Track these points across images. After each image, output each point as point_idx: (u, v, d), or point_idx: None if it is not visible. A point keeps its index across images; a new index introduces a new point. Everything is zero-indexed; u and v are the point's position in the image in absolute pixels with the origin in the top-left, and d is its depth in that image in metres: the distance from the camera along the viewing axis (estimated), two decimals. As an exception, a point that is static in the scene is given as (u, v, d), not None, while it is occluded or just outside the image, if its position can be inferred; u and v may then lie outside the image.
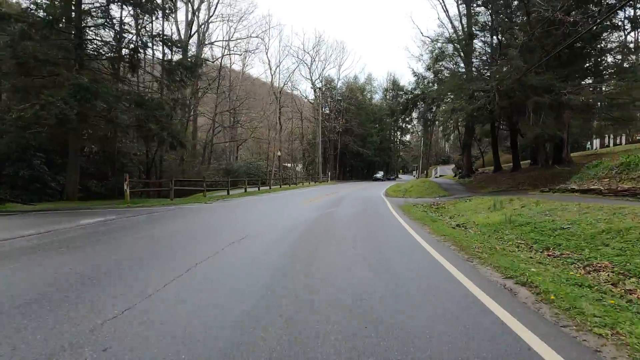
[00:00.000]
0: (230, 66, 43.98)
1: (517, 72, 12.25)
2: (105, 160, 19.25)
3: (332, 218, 9.08)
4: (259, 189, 23.49)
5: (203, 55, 34.18)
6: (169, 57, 16.29)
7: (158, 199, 14.96)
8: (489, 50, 16.74)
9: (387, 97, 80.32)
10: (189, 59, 16.29)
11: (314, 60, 52.72)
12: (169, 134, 14.66)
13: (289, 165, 61.52)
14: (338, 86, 59.57)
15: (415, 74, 20.56)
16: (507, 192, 13.80)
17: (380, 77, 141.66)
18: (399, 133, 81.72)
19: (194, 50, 33.14)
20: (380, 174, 57.24)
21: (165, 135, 14.30)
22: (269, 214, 9.99)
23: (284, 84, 50.05)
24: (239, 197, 16.87)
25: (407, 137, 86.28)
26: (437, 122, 22.63)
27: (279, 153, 44.23)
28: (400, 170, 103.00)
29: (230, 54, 35.78)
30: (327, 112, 58.10)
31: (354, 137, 55.60)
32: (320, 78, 54.75)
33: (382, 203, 14.40)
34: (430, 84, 19.38)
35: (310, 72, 52.53)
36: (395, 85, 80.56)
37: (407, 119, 23.20)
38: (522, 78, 12.17)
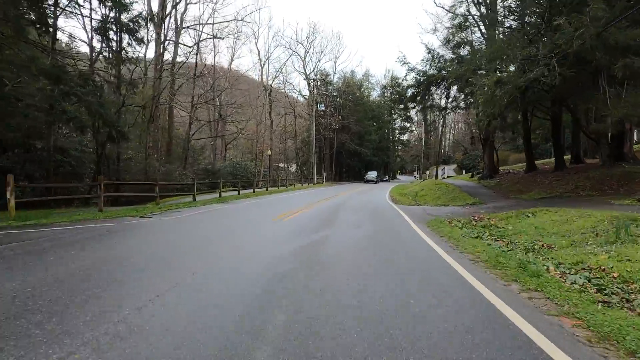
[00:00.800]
0: (215, 54, 39.95)
1: (593, 26, 8.32)
2: (36, 159, 15.02)
3: (322, 259, 5.08)
4: (238, 193, 19.42)
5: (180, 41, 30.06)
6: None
7: (84, 210, 10.84)
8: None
9: (386, 94, 76.73)
10: (130, 19, 12.14)
11: (308, 52, 48.75)
12: (100, 119, 10.54)
13: (282, 165, 57.47)
14: (334, 81, 55.70)
15: (429, 50, 16.60)
16: (569, 200, 9.91)
17: (379, 73, 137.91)
18: (397, 131, 78.05)
19: (171, 36, 29.04)
20: (372, 175, 45.44)
21: (92, 121, 10.17)
22: (204, 248, 5.92)
23: (275, 76, 46.04)
24: (202, 206, 12.80)
25: (405, 137, 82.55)
26: (461, 108, 18.43)
27: (269, 152, 40.17)
28: (398, 171, 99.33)
29: (213, 38, 31.58)
30: (323, 108, 54.18)
31: (351, 135, 51.67)
32: (315, 71, 50.81)
33: (397, 216, 10.45)
34: (448, 63, 15.49)
35: (304, 65, 48.55)
36: (394, 82, 77.11)
37: (418, 107, 19.08)
38: (603, 33, 8.28)
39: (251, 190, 22.92)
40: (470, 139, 57.12)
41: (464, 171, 50.38)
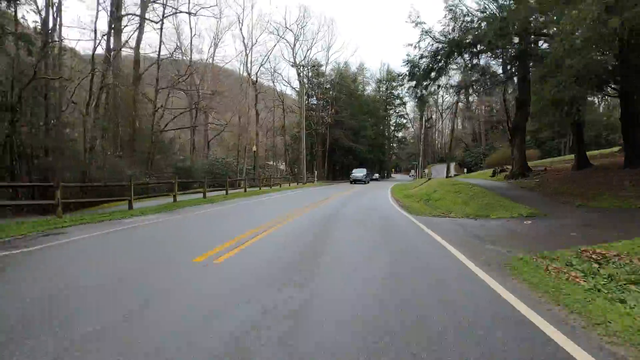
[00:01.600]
0: (192, 36, 35.62)
1: None
2: None
3: None
4: (204, 196, 15.36)
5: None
6: None
7: None
8: None
9: (381, 89, 73.00)
10: None
11: (298, 40, 44.61)
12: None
13: (272, 163, 53.29)
14: (327, 72, 51.69)
15: (449, 7, 12.56)
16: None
17: (373, 67, 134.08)
18: (392, 128, 74.32)
19: (135, 10, 24.69)
20: (360, 173, 35.97)
21: None
22: None
23: (262, 64, 41.89)
24: (123, 219, 8.72)
25: (400, 134, 78.85)
26: (499, 82, 14.23)
27: (254, 148, 36.02)
28: (393, 169, 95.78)
29: (180, 13, 27.29)
30: (314, 102, 50.14)
31: (345, 131, 47.74)
32: (306, 60, 46.66)
33: (427, 240, 6.60)
34: (476, 24, 11.58)
35: (293, 53, 44.34)
36: (389, 76, 73.39)
37: (431, 87, 15.09)
38: None
39: (224, 193, 18.83)
40: (472, 134, 53.71)
41: (465, 169, 46.87)
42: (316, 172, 41.67)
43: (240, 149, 32.53)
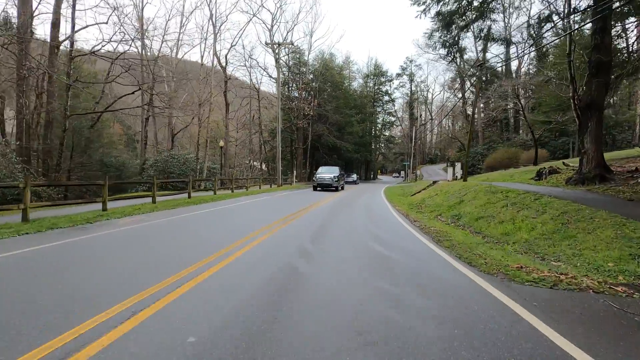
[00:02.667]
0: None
1: None
2: None
3: None
4: (103, 209, 9.49)
5: None
6: None
7: None
8: None
9: (369, 84, 68.22)
10: None
11: (277, 21, 39.00)
12: None
13: (252, 162, 47.25)
14: (309, 62, 46.16)
15: None
16: None
17: (360, 61, 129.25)
18: (380, 125, 69.49)
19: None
20: (328, 173, 23.79)
21: None
22: None
23: (232, 45, 35.96)
24: None
25: (387, 133, 74.12)
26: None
27: (221, 143, 30.08)
28: (379, 171, 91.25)
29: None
30: (296, 95, 44.49)
31: (329, 126, 42.34)
32: (285, 45, 40.84)
33: None
34: None
35: (270, 35, 38.51)
36: (377, 70, 68.68)
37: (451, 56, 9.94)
38: None
39: (185, 196, 12.98)
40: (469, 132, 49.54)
41: (450, 172, 42.43)
42: (295, 172, 35.89)
43: (197, 144, 26.47)
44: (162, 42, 30.13)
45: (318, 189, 21.92)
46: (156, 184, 12.44)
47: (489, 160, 38.53)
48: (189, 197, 14.38)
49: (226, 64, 34.06)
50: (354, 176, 41.71)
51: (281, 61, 41.34)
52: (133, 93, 21.72)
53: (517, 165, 33.46)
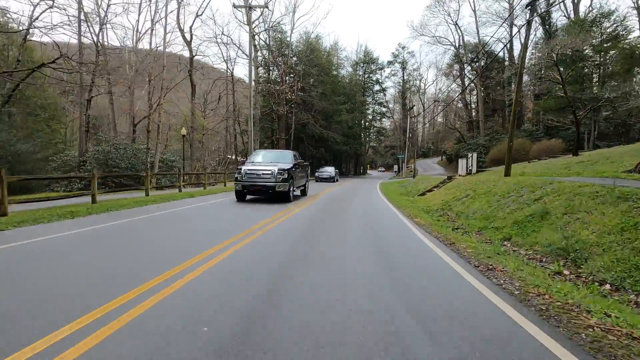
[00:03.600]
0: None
1: None
2: None
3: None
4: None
5: None
6: None
7: None
8: None
9: (358, 72, 63.28)
10: None
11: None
12: None
13: (234, 155, 41.83)
14: (293, 42, 40.86)
15: None
16: None
17: (349, 47, 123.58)
18: (370, 117, 64.75)
19: None
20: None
21: None
22: None
23: (198, 14, 30.61)
24: None
25: (377, 124, 69.35)
26: None
27: (183, 131, 24.80)
28: (368, 166, 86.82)
29: None
30: (278, 78, 39.19)
31: (315, 114, 37.33)
32: (263, 19, 35.49)
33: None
34: None
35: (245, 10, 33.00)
36: (368, 58, 63.78)
37: None
38: None
39: (137, 195, 7.97)
40: (468, 123, 45.28)
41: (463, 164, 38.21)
42: None
43: (152, 131, 21.17)
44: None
45: (243, 193, 10.74)
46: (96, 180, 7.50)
47: (494, 152, 34.19)
48: (147, 194, 9.48)
49: (191, 38, 28.63)
50: (330, 170, 28.12)
51: (260, 40, 36.02)
52: (54, 62, 16.28)
53: (528, 157, 29.27)
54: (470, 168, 18.65)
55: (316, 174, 28.03)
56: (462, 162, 20.28)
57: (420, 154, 74.08)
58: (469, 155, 19.70)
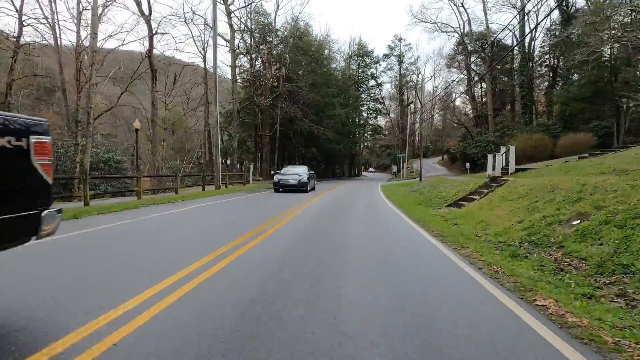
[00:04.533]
0: None
1: None
2: None
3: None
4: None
5: None
6: None
7: None
8: None
9: (352, 66, 58.58)
10: None
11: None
12: None
13: (215, 157, 36.60)
14: (279, 27, 35.89)
15: None
16: None
17: (342, 39, 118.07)
18: (365, 113, 59.90)
19: None
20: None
21: None
22: None
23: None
24: None
25: (372, 121, 64.37)
26: None
27: (137, 124, 19.65)
28: (363, 167, 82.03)
29: None
30: (260, 68, 34.21)
31: (303, 106, 32.37)
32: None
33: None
34: None
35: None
36: (362, 51, 59.10)
37: None
38: None
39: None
40: (475, 117, 40.72)
41: (468, 164, 33.79)
42: (261, 166, 25.31)
43: (82, 125, 15.98)
44: None
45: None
46: None
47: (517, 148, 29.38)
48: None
49: (150, 12, 23.48)
50: (298, 171, 16.67)
51: (240, 24, 31.04)
52: None
53: (554, 153, 24.79)
54: (506, 166, 13.84)
55: (275, 179, 16.12)
56: (491, 160, 15.49)
57: (417, 154, 69.62)
58: (503, 149, 14.91)
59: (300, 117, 31.06)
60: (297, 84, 31.18)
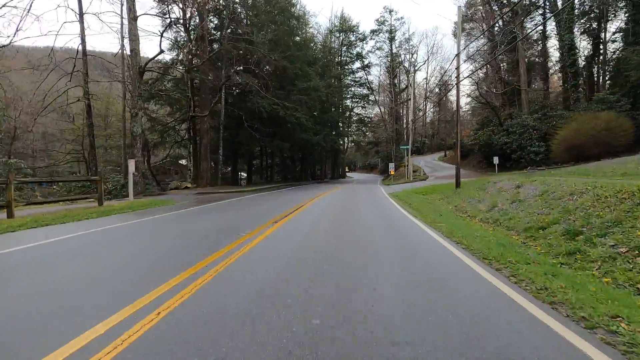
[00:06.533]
0: None
1: None
2: None
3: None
4: None
5: None
6: None
7: None
8: None
9: (333, 44, 48.01)
10: None
11: None
12: None
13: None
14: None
15: None
16: None
17: (320, 14, 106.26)
18: (350, 102, 49.35)
19: None
20: None
21: None
22: None
23: None
24: None
25: (357, 110, 53.50)
26: None
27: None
28: (347, 168, 71.43)
29: None
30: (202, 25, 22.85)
31: (263, 73, 21.16)
32: None
33: None
34: None
35: None
36: (345, 25, 48.66)
37: None
38: None
39: None
40: (502, 95, 30.85)
41: (496, 163, 23.84)
42: (132, 164, 12.36)
43: None
44: None
45: None
46: None
47: (565, 136, 19.26)
48: None
49: None
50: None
51: None
52: None
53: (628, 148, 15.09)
54: None
55: None
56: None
57: (413, 151, 59.53)
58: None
59: (257, 89, 19.87)
60: (251, 37, 20.01)
